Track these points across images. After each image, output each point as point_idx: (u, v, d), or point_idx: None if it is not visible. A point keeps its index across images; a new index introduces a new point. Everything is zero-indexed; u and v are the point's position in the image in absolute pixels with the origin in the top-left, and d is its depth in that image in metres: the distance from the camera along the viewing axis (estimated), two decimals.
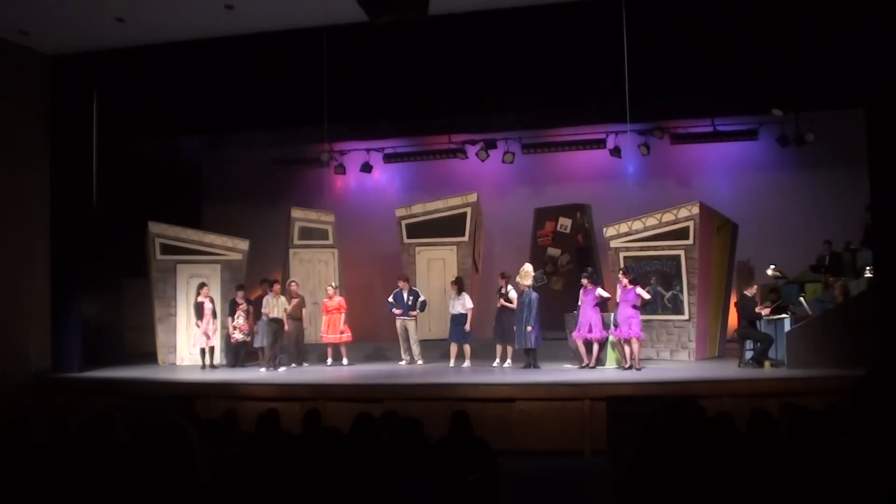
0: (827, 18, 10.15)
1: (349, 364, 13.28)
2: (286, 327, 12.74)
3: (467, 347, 12.71)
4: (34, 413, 6.32)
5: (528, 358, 11.86)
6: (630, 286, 11.25)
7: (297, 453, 4.43)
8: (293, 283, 13.22)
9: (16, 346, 12.19)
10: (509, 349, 12.28)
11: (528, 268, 12.23)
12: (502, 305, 12.25)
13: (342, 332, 13.38)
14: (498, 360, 12.32)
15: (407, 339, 13.29)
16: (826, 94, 11.71)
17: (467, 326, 12.66)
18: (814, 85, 10.97)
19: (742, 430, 4.46)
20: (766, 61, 10.52)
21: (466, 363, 12.60)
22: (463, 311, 12.70)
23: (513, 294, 12.19)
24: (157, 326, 13.86)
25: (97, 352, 13.11)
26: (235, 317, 13.02)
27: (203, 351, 13.02)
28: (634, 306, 11.19)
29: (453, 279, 13.25)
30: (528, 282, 12.04)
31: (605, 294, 11.78)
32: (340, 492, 4.08)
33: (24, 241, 12.59)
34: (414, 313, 13.22)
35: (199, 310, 13.05)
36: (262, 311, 12.67)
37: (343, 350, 13.39)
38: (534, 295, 11.98)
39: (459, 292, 12.82)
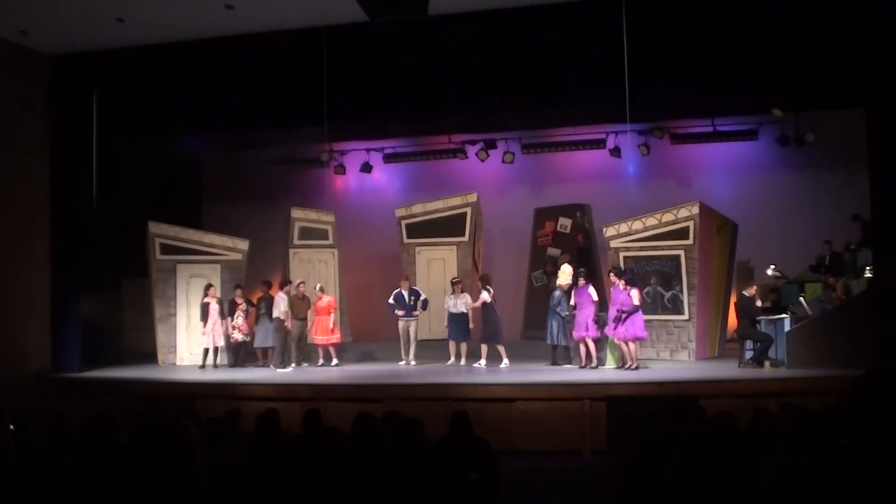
0: (827, 18, 10.15)
1: (339, 364, 13.12)
2: (289, 327, 12.84)
3: (464, 346, 12.80)
4: (34, 413, 6.32)
5: (554, 354, 12.09)
6: (625, 288, 11.17)
7: (297, 453, 4.44)
8: (302, 284, 13.30)
9: (16, 346, 12.18)
10: (501, 349, 12.40)
11: (563, 267, 12.70)
12: (484, 304, 12.45)
13: (332, 333, 13.27)
14: (483, 359, 12.44)
15: (408, 340, 13.27)
16: (826, 94, 11.71)
17: (471, 325, 12.82)
18: (814, 85, 10.98)
19: (742, 430, 4.46)
20: (766, 61, 10.52)
21: (463, 362, 12.70)
22: (465, 311, 12.77)
23: (483, 296, 12.47)
24: (157, 326, 13.85)
25: (97, 352, 13.09)
26: (234, 317, 13.02)
27: (206, 351, 13.01)
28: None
29: (455, 279, 13.28)
30: (565, 280, 12.32)
31: (595, 296, 11.67)
32: (340, 491, 4.08)
33: (24, 241, 12.57)
34: (416, 313, 13.21)
35: (204, 311, 13.05)
36: (281, 311, 12.67)
37: (333, 351, 13.26)
38: (557, 292, 12.22)
39: (462, 291, 12.87)
